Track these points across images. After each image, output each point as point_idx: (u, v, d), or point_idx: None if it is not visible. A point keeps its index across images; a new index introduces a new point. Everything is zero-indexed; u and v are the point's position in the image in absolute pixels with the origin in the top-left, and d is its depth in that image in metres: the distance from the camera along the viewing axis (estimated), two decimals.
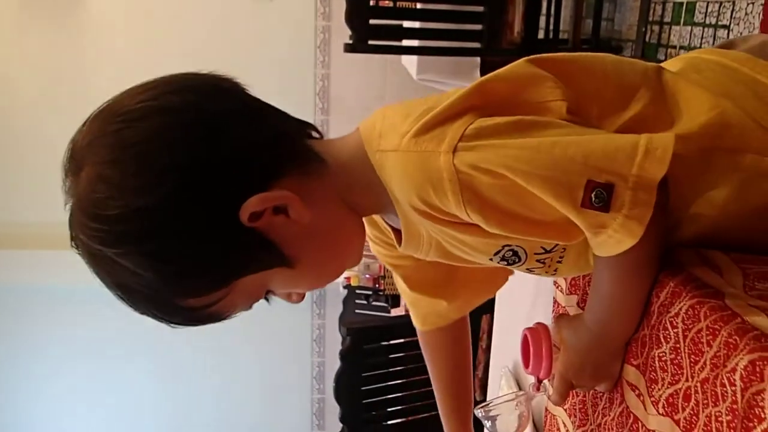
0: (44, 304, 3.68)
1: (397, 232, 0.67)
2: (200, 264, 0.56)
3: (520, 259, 0.64)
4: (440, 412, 0.94)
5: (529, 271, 0.67)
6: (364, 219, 0.68)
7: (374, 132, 0.60)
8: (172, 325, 0.59)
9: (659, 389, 0.57)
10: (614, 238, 0.54)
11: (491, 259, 0.65)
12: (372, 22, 2.06)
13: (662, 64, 0.73)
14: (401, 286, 0.85)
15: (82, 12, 3.35)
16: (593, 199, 0.51)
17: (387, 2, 2.40)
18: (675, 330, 0.55)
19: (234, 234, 0.55)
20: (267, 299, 0.64)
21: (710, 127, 0.58)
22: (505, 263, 0.65)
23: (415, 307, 0.86)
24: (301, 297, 0.66)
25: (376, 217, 0.73)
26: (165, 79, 0.58)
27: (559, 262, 0.64)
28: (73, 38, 3.36)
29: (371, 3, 2.09)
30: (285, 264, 0.59)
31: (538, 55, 0.59)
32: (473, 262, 0.68)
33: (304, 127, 0.64)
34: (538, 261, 0.64)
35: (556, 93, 0.56)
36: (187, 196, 0.53)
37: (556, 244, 0.63)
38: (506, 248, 0.63)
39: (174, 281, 0.55)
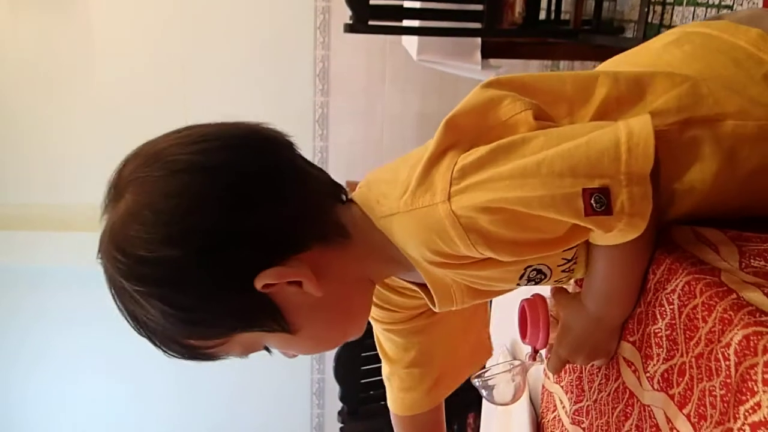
0: (42, 285, 3.69)
1: (424, 288, 0.68)
2: (207, 317, 0.59)
3: (545, 276, 0.65)
4: None
5: (558, 282, 0.68)
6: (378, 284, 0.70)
7: (371, 200, 0.62)
8: (168, 355, 0.62)
9: (654, 365, 0.58)
10: (618, 235, 0.55)
11: (518, 284, 0.66)
12: (372, 2, 2.04)
13: (650, 41, 0.74)
14: (402, 363, 0.84)
15: None
16: (594, 205, 0.52)
17: None
18: (671, 306, 0.56)
19: (244, 297, 0.58)
20: (268, 350, 0.67)
21: (682, 99, 0.59)
22: (533, 283, 0.66)
23: (407, 391, 0.85)
24: (296, 355, 0.68)
25: (396, 281, 0.74)
26: (216, 132, 0.60)
27: (575, 263, 0.65)
28: (70, 18, 3.34)
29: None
30: (286, 331, 0.62)
31: (491, 78, 0.61)
32: (503, 291, 0.70)
33: (337, 192, 0.65)
34: (563, 272, 0.65)
35: (517, 106, 0.57)
36: (208, 256, 0.56)
37: (576, 253, 0.64)
38: (530, 269, 0.64)
39: (179, 324, 0.59)
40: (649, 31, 2.24)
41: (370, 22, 2.07)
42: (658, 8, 2.24)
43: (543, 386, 0.93)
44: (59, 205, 3.38)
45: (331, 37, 3.43)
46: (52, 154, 3.37)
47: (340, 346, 0.69)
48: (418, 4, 2.25)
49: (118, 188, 0.58)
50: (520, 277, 0.64)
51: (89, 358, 3.77)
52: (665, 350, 0.56)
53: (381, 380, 2.29)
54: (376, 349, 2.31)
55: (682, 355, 0.54)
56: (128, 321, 0.60)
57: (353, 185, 0.69)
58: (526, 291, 0.81)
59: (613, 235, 0.55)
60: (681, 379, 0.54)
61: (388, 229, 0.61)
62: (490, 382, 0.78)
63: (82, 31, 3.32)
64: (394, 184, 0.60)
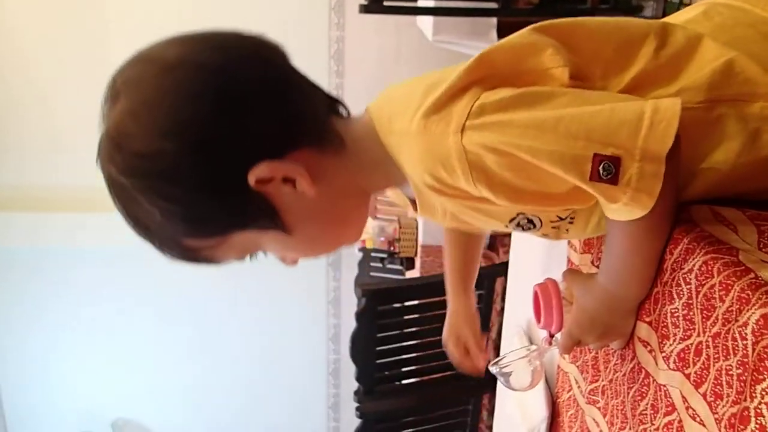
0: (63, 266, 3.75)
1: (414, 202, 0.69)
2: (202, 212, 0.59)
3: (535, 226, 0.65)
4: (447, 284, 1.02)
5: (544, 236, 0.68)
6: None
7: (383, 115, 0.62)
8: (169, 257, 0.63)
9: (671, 344, 0.58)
10: (625, 210, 0.55)
11: (507, 226, 0.66)
12: None
13: (677, 13, 0.72)
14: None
15: None
16: (601, 171, 0.52)
17: None
18: (688, 286, 0.56)
19: (239, 193, 0.59)
20: (255, 256, 0.67)
21: (714, 77, 0.58)
22: (521, 229, 0.66)
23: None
24: (295, 261, 0.69)
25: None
26: (209, 35, 0.61)
27: (571, 222, 0.65)
28: (90, 8, 3.35)
29: None
30: (281, 230, 0.62)
31: (541, 23, 0.60)
32: (490, 228, 0.71)
33: (332, 104, 0.66)
34: (552, 227, 0.66)
35: (557, 59, 0.56)
36: (200, 149, 0.57)
37: (572, 214, 0.64)
38: (521, 216, 0.64)
39: (176, 221, 0.60)
40: (668, 9, 2.21)
41: (386, 3, 2.05)
42: None
43: (558, 366, 0.93)
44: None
45: (346, 18, 3.41)
46: (76, 136, 3.42)
47: (334, 251, 0.72)
48: (432, 3, 2.24)
49: (114, 91, 0.59)
50: (510, 220, 0.65)
51: (110, 333, 3.84)
52: (682, 330, 0.56)
53: (397, 360, 2.29)
54: (392, 330, 2.30)
55: (698, 335, 0.54)
56: (129, 223, 0.61)
57: None
58: (539, 276, 0.81)
59: (618, 208, 0.55)
60: (697, 358, 0.54)
61: (393, 147, 0.61)
62: (506, 369, 0.78)
63: (97, 12, 3.33)
64: (408, 103, 0.59)
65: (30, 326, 3.88)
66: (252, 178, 0.58)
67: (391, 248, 2.89)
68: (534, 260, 1.09)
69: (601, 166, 0.52)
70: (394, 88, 0.65)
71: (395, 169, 0.62)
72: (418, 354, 2.01)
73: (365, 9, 2.05)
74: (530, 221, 0.64)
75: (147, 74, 0.58)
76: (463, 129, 0.54)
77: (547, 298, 0.75)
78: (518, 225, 0.65)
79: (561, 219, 0.64)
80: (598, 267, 0.69)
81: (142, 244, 0.62)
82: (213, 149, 0.57)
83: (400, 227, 2.74)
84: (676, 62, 0.60)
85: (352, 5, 3.08)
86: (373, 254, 3.18)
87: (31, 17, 3.37)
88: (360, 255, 3.37)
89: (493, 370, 0.81)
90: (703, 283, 0.53)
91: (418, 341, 2.01)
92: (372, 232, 2.85)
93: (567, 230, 0.67)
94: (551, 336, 0.78)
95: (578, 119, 0.52)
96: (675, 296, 0.58)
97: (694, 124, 0.56)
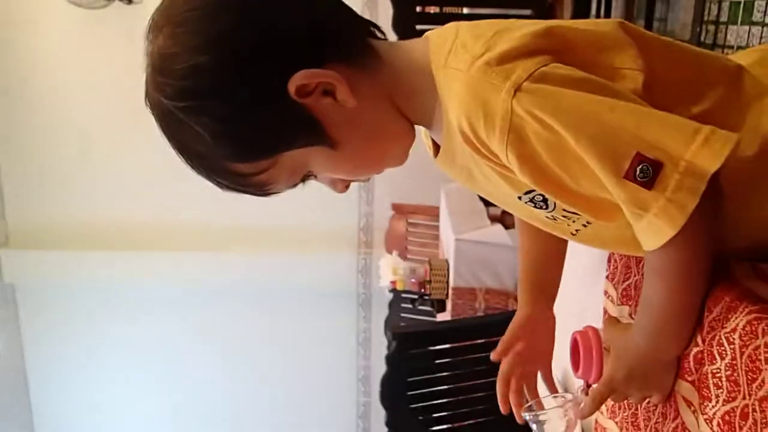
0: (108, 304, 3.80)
1: (438, 148, 0.68)
2: (250, 129, 0.61)
3: (547, 207, 0.63)
4: (519, 285, 0.92)
5: (553, 218, 0.66)
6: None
7: (444, 47, 0.61)
8: (221, 187, 0.64)
9: (714, 407, 0.56)
10: (654, 225, 0.52)
11: (520, 198, 0.64)
12: (419, 27, 2.06)
13: (737, 54, 0.71)
14: None
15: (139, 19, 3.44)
16: (638, 172, 0.50)
17: (434, 8, 2.40)
18: (731, 346, 0.54)
19: (282, 105, 0.59)
20: (306, 180, 0.67)
21: (766, 132, 0.57)
22: (532, 205, 0.64)
23: None
24: (345, 187, 0.69)
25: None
26: None
27: (584, 225, 0.64)
28: (128, 46, 3.46)
29: (418, 9, 2.09)
30: (327, 144, 0.63)
31: (627, 23, 0.59)
32: (496, 201, 0.70)
33: (367, 25, 0.66)
34: (564, 216, 0.64)
35: (637, 63, 0.56)
36: (239, 61, 0.58)
37: (583, 218, 0.62)
38: (537, 193, 0.62)
39: (225, 143, 0.61)
40: None
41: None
42: (711, 27, 2.19)
43: (596, 421, 0.91)
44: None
45: None
46: (127, 174, 3.52)
47: (381, 170, 0.71)
48: (465, 11, 2.28)
49: (154, 26, 0.61)
50: (526, 193, 0.63)
51: (140, 370, 3.86)
52: (725, 391, 0.54)
53: (428, 406, 2.24)
54: (423, 374, 2.26)
55: (744, 398, 0.52)
56: (179, 153, 0.62)
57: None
58: (574, 324, 0.79)
59: (646, 226, 0.53)
60: (744, 422, 0.52)
61: (443, 80, 0.60)
62: (541, 417, 0.76)
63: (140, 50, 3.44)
64: (474, 43, 0.58)
65: (63, 360, 3.93)
66: (292, 87, 0.59)
67: (422, 290, 2.86)
68: (568, 308, 1.07)
69: (639, 167, 0.50)
70: (465, 24, 0.64)
71: (432, 104, 0.62)
72: (450, 399, 1.97)
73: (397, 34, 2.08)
74: (545, 200, 0.63)
75: (177, 1, 0.60)
76: (518, 89, 0.53)
77: (587, 346, 0.73)
78: (531, 200, 0.63)
79: (571, 212, 0.63)
80: (635, 319, 0.68)
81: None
82: (248, 60, 0.58)
83: (431, 269, 2.72)
84: (739, 112, 0.59)
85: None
86: (403, 295, 3.16)
87: (73, 55, 3.50)
88: (390, 296, 3.35)
89: (526, 416, 0.79)
90: (747, 343, 0.51)
91: (450, 386, 1.97)
92: (402, 273, 2.83)
93: (576, 231, 0.65)
94: (588, 386, 0.76)
95: (633, 113, 0.51)
96: (717, 356, 0.56)
97: (742, 176, 0.55)
